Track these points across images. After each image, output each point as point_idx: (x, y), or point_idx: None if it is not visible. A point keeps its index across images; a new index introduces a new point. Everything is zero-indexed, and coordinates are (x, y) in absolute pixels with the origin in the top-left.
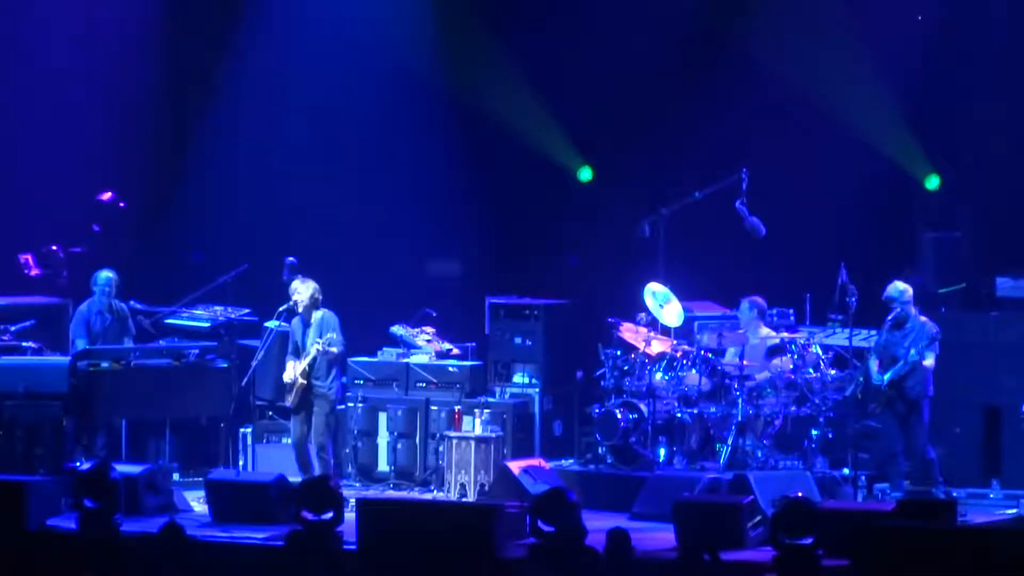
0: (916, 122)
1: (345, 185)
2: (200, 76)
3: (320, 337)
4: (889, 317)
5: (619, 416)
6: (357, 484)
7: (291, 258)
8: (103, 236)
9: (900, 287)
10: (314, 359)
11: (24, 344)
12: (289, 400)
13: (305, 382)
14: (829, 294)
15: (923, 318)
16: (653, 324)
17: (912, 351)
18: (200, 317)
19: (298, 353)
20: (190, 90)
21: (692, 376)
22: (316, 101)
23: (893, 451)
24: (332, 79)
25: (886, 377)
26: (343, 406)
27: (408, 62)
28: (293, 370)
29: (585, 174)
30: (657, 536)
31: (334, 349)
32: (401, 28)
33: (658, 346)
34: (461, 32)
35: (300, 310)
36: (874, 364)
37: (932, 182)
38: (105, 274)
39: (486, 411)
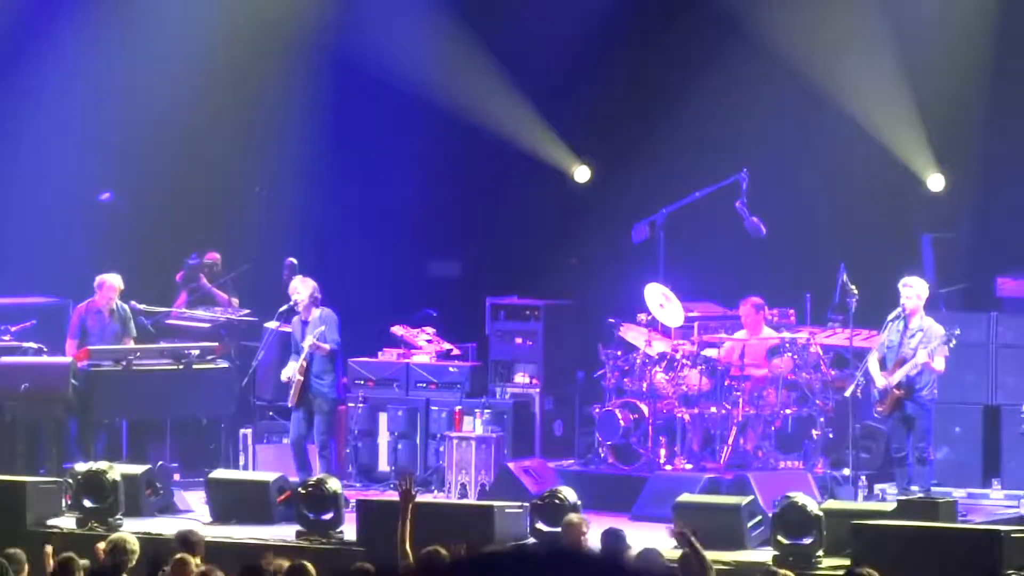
0: (918, 122)
1: (345, 185)
2: (201, 75)
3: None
4: (890, 317)
5: (619, 416)
6: (357, 484)
7: (291, 259)
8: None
9: (922, 282)
10: (311, 356)
11: (24, 344)
12: (291, 399)
13: (303, 379)
14: (829, 294)
15: (929, 319)
16: (653, 324)
17: (922, 352)
18: (200, 318)
19: (300, 352)
20: (193, 89)
21: (693, 376)
22: (317, 101)
23: (900, 453)
24: (332, 80)
25: (895, 379)
26: (343, 405)
27: (408, 64)
28: (290, 368)
29: (582, 175)
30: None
31: (326, 346)
32: (402, 29)
33: (659, 346)
34: (460, 33)
35: (300, 309)
36: (875, 363)
37: (934, 182)
38: (110, 277)
39: (486, 411)
